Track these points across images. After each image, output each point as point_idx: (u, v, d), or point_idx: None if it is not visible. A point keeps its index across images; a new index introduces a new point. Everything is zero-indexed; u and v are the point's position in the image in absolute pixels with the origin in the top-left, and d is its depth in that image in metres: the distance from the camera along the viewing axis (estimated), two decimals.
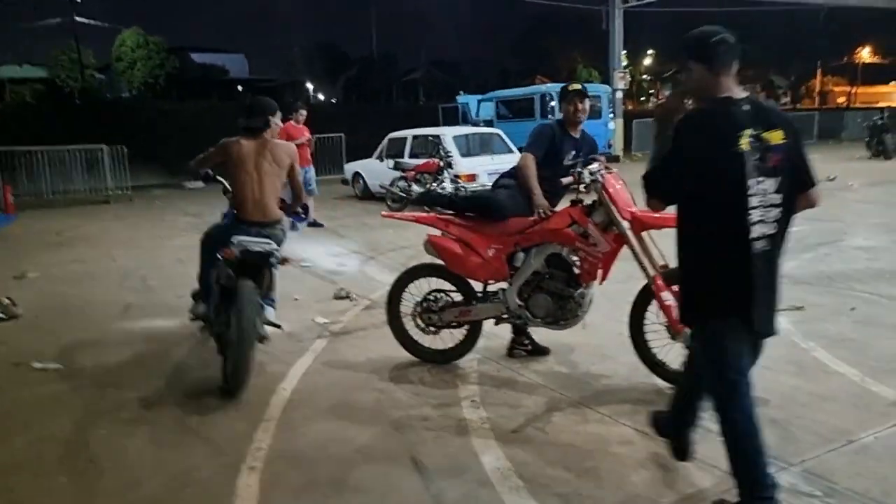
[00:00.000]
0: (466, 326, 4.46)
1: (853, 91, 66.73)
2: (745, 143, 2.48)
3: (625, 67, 46.06)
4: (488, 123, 14.89)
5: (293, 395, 4.21)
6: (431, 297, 4.48)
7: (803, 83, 70.25)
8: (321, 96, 54.65)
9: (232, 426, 3.80)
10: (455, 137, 12.43)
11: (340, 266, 8.05)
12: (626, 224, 3.90)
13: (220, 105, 33.73)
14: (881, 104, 48.29)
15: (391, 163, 12.73)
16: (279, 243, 4.49)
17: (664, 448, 3.30)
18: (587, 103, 4.42)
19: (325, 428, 3.76)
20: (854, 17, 42.37)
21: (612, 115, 14.57)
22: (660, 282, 3.87)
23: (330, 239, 9.91)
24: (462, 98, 17.32)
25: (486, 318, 4.33)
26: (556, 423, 3.68)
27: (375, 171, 13.71)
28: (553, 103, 13.59)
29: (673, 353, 4.02)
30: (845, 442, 3.35)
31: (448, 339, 4.56)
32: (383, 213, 4.80)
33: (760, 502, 2.60)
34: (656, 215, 4.09)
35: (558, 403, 3.92)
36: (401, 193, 12.33)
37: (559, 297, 4.11)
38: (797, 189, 2.62)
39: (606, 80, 21.86)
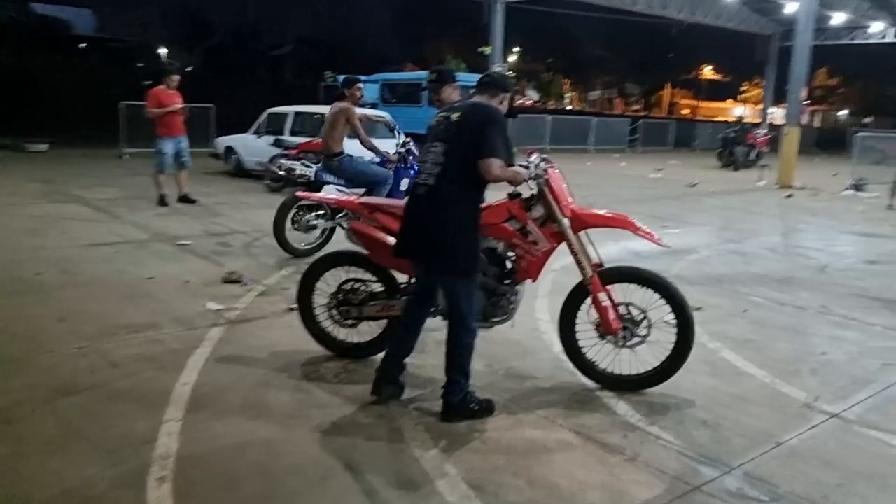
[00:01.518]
0: (387, 320, 4.18)
1: (697, 104, 72.07)
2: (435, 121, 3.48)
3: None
4: (371, 106, 14.51)
5: (196, 391, 3.75)
6: (349, 289, 4.15)
7: (654, 93, 75.04)
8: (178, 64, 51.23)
9: (129, 428, 3.30)
10: None
11: (224, 247, 7.46)
12: (566, 222, 3.78)
13: (62, 62, 30.78)
14: (719, 118, 52.45)
15: (271, 139, 12.04)
16: None
17: (608, 450, 3.23)
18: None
19: (240, 430, 3.35)
20: (701, 36, 45.24)
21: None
22: (597, 281, 3.81)
23: (207, 217, 9.19)
24: (339, 78, 16.74)
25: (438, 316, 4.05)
26: (492, 426, 3.50)
27: (252, 146, 12.95)
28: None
29: (602, 353, 3.98)
30: (773, 444, 3.41)
31: (366, 332, 4.26)
32: (300, 193, 4.37)
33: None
34: (597, 213, 4.05)
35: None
36: (281, 172, 11.68)
37: (492, 293, 3.93)
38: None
39: (474, 71, 22.25)
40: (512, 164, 3.46)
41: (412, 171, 6.95)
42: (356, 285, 4.15)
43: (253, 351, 4.41)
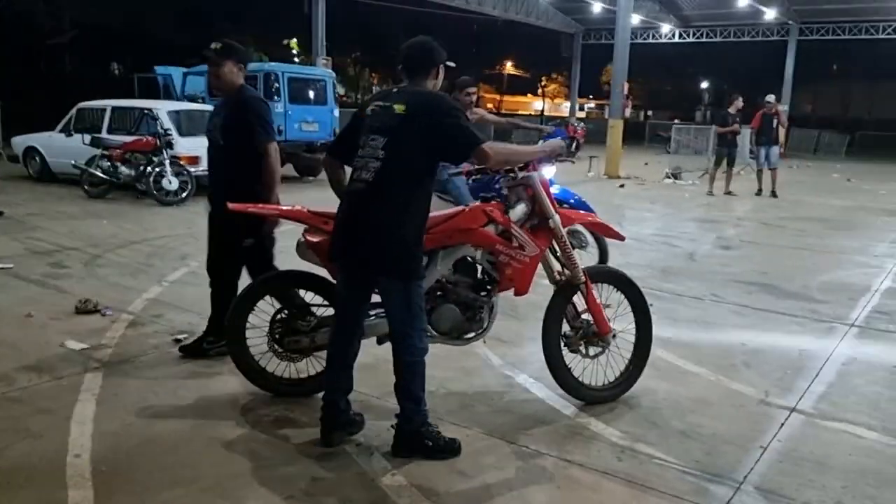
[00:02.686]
0: None
1: (501, 99, 75.22)
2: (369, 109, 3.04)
3: (297, 55, 45.50)
4: (192, 100, 13.24)
5: (97, 465, 2.92)
6: (297, 315, 3.50)
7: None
8: None
9: None
10: (170, 113, 10.72)
11: (59, 268, 6.26)
12: (558, 218, 3.46)
13: None
14: (521, 112, 55.06)
15: (87, 138, 10.52)
16: None
17: (614, 479, 2.93)
18: None
19: None
20: (503, 32, 46.82)
21: (337, 103, 13.94)
22: (591, 283, 3.61)
23: (21, 232, 7.74)
24: (162, 69, 15.13)
25: (372, 336, 3.47)
26: (472, 464, 3.07)
27: (61, 147, 11.24)
28: (276, 84, 12.53)
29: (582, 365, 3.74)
30: (760, 450, 3.30)
31: (304, 365, 3.64)
32: (232, 205, 3.59)
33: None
34: (580, 212, 3.78)
35: (479, 448, 3.29)
36: (102, 175, 10.27)
37: (468, 307, 3.48)
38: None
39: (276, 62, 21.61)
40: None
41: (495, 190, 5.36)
42: (299, 311, 3.50)
43: (150, 398, 3.60)
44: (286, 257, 3.93)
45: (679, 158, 18.86)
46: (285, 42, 50.40)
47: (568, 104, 37.82)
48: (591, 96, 61.93)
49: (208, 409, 3.52)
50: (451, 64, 3.12)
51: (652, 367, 4.23)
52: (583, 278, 3.60)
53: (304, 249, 3.42)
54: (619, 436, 3.38)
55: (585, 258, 6.41)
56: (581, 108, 52.08)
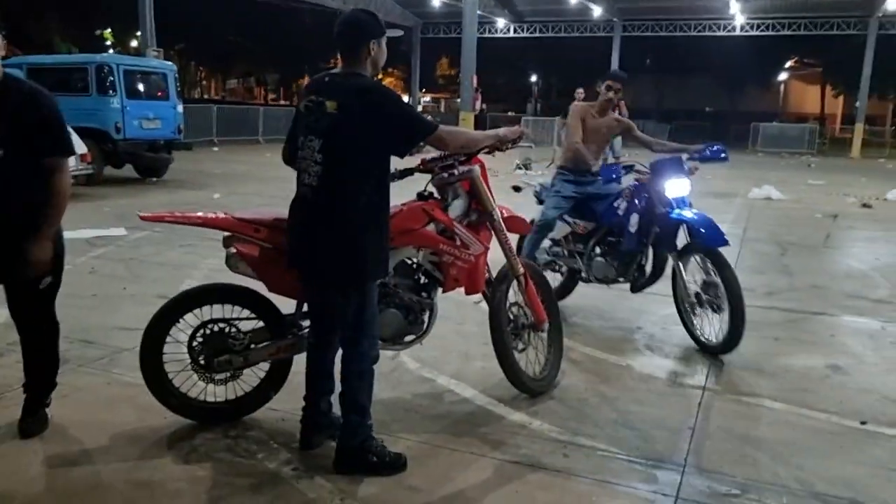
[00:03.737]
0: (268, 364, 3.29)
1: None
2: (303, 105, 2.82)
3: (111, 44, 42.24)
4: None
5: None
6: (219, 333, 3.14)
7: (294, 81, 75.56)
8: None
9: None
10: None
11: None
12: (497, 213, 3.38)
13: None
14: None
15: None
16: None
17: (567, 476, 2.90)
18: None
19: None
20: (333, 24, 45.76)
21: (179, 98, 12.96)
22: (529, 277, 3.61)
23: None
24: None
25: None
26: (418, 475, 2.92)
27: None
28: (112, 77, 11.45)
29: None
30: (689, 430, 3.43)
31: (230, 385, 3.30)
32: (142, 214, 3.13)
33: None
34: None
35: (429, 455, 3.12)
36: None
37: (409, 310, 3.30)
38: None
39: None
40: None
41: (642, 202, 4.84)
42: (225, 328, 3.14)
43: (39, 444, 3.10)
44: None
45: (526, 150, 19.50)
46: (98, 32, 46.70)
47: (407, 98, 38.10)
48: (423, 90, 62.92)
49: (119, 446, 3.09)
50: (398, 33, 2.92)
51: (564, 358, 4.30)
52: (522, 270, 3.56)
53: (236, 261, 3.08)
54: (559, 431, 3.37)
55: None
56: (418, 102, 52.84)
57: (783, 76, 49.68)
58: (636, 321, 5.20)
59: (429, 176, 3.42)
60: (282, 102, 62.93)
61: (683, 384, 4.03)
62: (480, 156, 3.39)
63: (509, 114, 39.72)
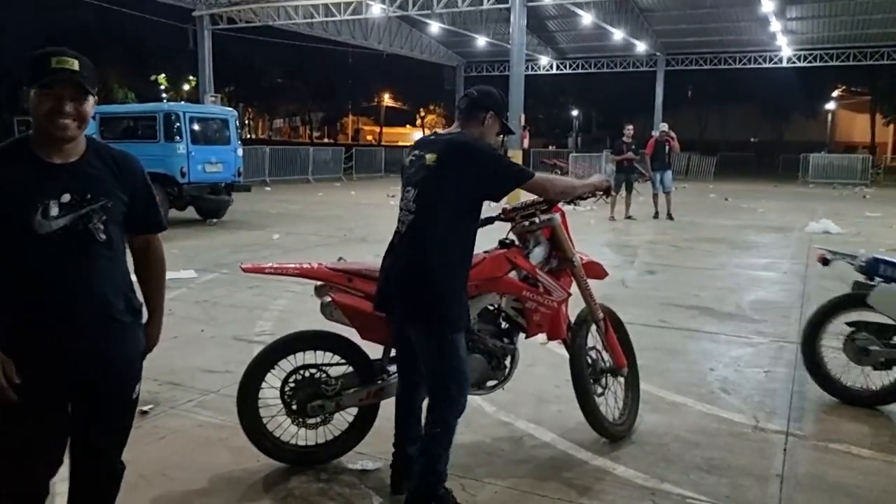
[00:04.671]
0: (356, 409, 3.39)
1: (381, 130, 75.59)
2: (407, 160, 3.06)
3: (166, 90, 43.59)
4: None
5: None
6: (311, 379, 3.26)
7: (337, 120, 77.07)
8: None
9: None
10: None
11: None
12: (578, 259, 3.45)
13: None
14: (401, 143, 55.59)
15: None
16: None
17: None
18: None
19: None
20: (377, 64, 46.59)
21: (239, 142, 13.42)
22: (609, 322, 3.67)
23: None
24: None
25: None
26: None
27: None
28: (178, 124, 11.92)
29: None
30: (777, 478, 3.40)
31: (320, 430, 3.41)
32: (245, 265, 3.32)
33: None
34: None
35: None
36: None
37: (493, 355, 3.38)
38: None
39: (143, 100, 20.70)
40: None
41: None
42: (316, 374, 3.26)
43: (141, 485, 3.23)
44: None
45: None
46: (153, 78, 48.50)
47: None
48: None
49: (220, 489, 3.21)
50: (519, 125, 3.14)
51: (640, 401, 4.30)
52: (601, 315, 3.61)
53: (331, 309, 3.21)
54: (644, 477, 3.37)
55: None
56: None
57: (830, 105, 48.89)
58: (707, 362, 5.17)
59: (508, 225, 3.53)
60: (326, 140, 64.23)
61: (765, 429, 3.99)
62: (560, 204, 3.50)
63: (550, 148, 39.77)
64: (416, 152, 2.99)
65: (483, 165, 2.88)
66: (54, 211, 2.01)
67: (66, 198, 2.04)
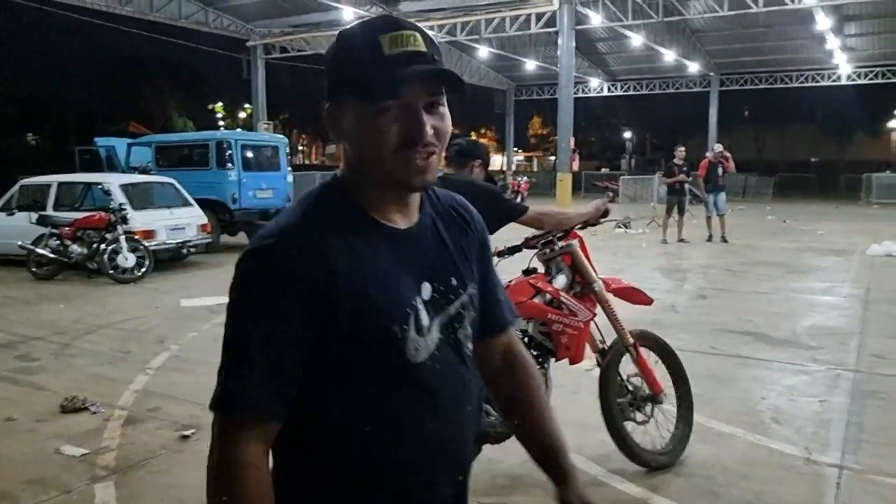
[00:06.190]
0: None
1: None
2: None
3: (223, 118, 44.93)
4: (144, 171, 12.82)
5: None
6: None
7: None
8: None
9: None
10: (123, 186, 10.29)
11: (28, 361, 5.80)
12: (601, 283, 3.43)
13: None
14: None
15: (33, 216, 9.99)
16: None
17: None
18: None
19: None
20: None
21: (289, 169, 13.73)
22: (640, 345, 3.63)
23: None
24: (104, 140, 14.61)
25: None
26: None
27: (2, 226, 10.63)
28: (229, 151, 12.25)
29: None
30: None
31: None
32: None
33: None
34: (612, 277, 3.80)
35: None
36: (52, 255, 9.72)
37: None
38: None
39: (201, 128, 21.42)
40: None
41: None
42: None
43: None
44: None
45: (624, 207, 19.34)
46: (210, 107, 50.11)
47: (501, 157, 38.67)
48: (517, 149, 63.62)
49: None
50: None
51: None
52: (631, 340, 3.55)
53: None
54: None
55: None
56: (512, 161, 53.56)
57: (894, 123, 47.24)
58: (759, 391, 4.99)
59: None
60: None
61: (819, 462, 3.81)
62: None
63: (603, 171, 39.47)
64: None
65: (481, 199, 2.87)
66: (425, 319, 1.16)
67: (426, 291, 1.18)
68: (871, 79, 28.88)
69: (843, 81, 29.32)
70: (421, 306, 1.15)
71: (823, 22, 21.10)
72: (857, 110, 41.36)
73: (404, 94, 1.07)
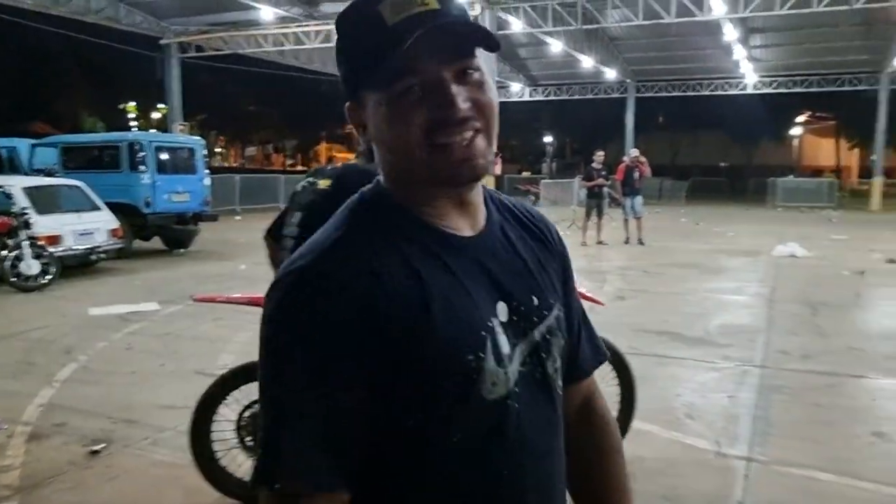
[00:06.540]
0: None
1: (355, 157, 75.52)
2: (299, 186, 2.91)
3: (136, 119, 43.43)
4: (49, 173, 12.19)
5: None
6: None
7: (310, 147, 77.13)
8: None
9: None
10: (26, 189, 9.76)
11: None
12: None
13: None
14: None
15: None
16: None
17: None
18: None
19: None
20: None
21: (207, 171, 13.33)
22: None
23: None
24: (5, 141, 13.74)
25: None
26: None
27: None
28: (142, 153, 11.79)
29: None
30: None
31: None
32: (197, 296, 3.26)
33: None
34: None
35: None
36: None
37: None
38: None
39: (112, 129, 20.77)
40: None
41: None
42: None
43: None
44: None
45: (546, 210, 19.65)
46: (122, 106, 48.24)
47: None
48: None
49: None
50: None
51: None
52: None
53: None
54: None
55: None
56: None
57: (797, 130, 49.92)
58: (674, 388, 5.16)
59: None
60: (299, 168, 64.14)
61: (728, 455, 3.97)
62: None
63: (525, 174, 40.09)
64: (310, 179, 2.89)
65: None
66: (505, 345, 0.93)
67: (503, 312, 0.96)
68: (774, 88, 30.43)
69: (750, 90, 30.75)
70: (499, 328, 0.93)
71: (731, 33, 22.06)
72: (763, 118, 43.40)
73: (422, 66, 0.86)
